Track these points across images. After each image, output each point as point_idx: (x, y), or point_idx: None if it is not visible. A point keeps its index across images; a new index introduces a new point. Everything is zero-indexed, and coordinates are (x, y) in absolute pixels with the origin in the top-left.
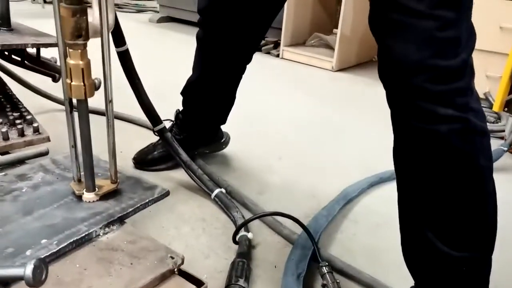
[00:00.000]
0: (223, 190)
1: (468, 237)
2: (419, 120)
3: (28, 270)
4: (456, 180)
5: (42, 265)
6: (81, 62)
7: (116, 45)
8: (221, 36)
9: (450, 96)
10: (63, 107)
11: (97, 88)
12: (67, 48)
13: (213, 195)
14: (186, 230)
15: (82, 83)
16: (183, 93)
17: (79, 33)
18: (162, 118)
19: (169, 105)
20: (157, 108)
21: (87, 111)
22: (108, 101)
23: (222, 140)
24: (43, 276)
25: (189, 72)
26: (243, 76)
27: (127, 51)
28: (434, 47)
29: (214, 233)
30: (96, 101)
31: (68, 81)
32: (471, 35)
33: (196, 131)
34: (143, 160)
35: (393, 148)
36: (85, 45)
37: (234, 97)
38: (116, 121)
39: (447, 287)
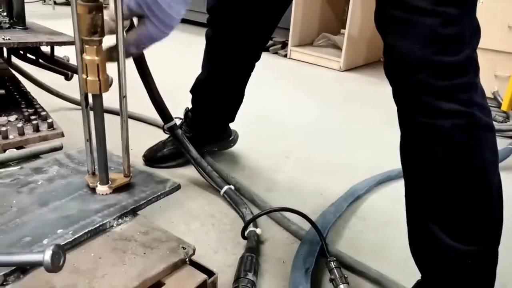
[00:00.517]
0: (232, 187)
1: (473, 231)
2: (424, 116)
3: (47, 256)
4: (460, 175)
5: (60, 251)
6: (96, 58)
7: None
8: (230, 34)
9: (454, 91)
10: (74, 106)
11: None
12: (83, 44)
13: (222, 191)
14: (196, 225)
15: (97, 79)
16: (192, 91)
17: (95, 29)
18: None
19: (176, 105)
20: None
21: (102, 106)
22: (122, 96)
23: (231, 138)
24: (61, 262)
25: (196, 72)
26: (251, 75)
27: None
28: (437, 43)
29: (223, 229)
30: (110, 100)
31: (84, 76)
32: (476, 31)
33: (205, 129)
34: (153, 158)
35: (400, 143)
36: (100, 42)
37: (243, 95)
38: (130, 121)
39: (453, 281)
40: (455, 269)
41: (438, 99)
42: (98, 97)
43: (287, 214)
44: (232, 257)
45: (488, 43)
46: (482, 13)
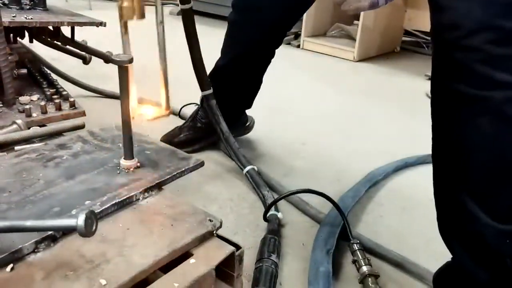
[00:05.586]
0: (255, 168)
1: None
2: (472, 85)
3: (81, 220)
4: (505, 150)
5: (93, 216)
6: None
7: (182, 2)
8: (253, 18)
9: (509, 61)
10: (90, 94)
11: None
12: None
13: (244, 170)
14: (214, 208)
15: (132, 5)
16: (211, 76)
17: None
18: (181, 104)
19: (189, 94)
20: (177, 96)
21: (128, 82)
22: (159, 22)
23: (247, 124)
24: (94, 227)
25: (208, 62)
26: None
27: (191, 9)
28: (499, 6)
29: (242, 212)
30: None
31: (120, 3)
32: None
33: (222, 115)
34: (170, 143)
35: (433, 116)
36: None
37: (261, 82)
38: None
39: (488, 261)
40: (491, 248)
41: (491, 67)
42: (124, 73)
43: (306, 199)
44: (251, 239)
45: None
46: None
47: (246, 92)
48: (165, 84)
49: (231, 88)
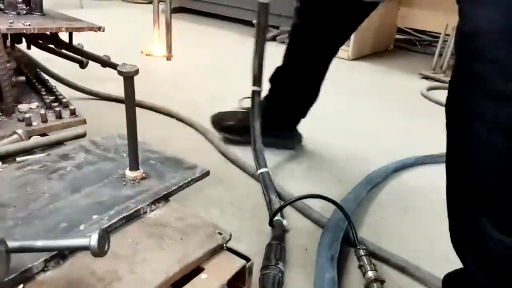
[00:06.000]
0: (270, 172)
1: None
2: (489, 100)
3: (94, 240)
4: None
5: (105, 235)
6: None
7: None
8: (317, 25)
9: None
10: (86, 96)
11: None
12: None
13: (259, 171)
14: (216, 213)
15: None
16: (271, 79)
17: None
18: (175, 104)
19: (182, 92)
20: (170, 95)
21: (134, 93)
22: None
23: (295, 139)
24: (107, 247)
25: (201, 58)
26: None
27: (268, 4)
28: None
29: (244, 217)
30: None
31: None
32: None
33: (277, 121)
34: (219, 121)
35: (451, 128)
36: None
37: (318, 91)
38: (138, 110)
39: (501, 277)
40: (502, 263)
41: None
42: (130, 84)
43: (307, 202)
44: (256, 245)
45: None
46: None
47: (301, 98)
48: (168, 30)
49: (288, 91)
